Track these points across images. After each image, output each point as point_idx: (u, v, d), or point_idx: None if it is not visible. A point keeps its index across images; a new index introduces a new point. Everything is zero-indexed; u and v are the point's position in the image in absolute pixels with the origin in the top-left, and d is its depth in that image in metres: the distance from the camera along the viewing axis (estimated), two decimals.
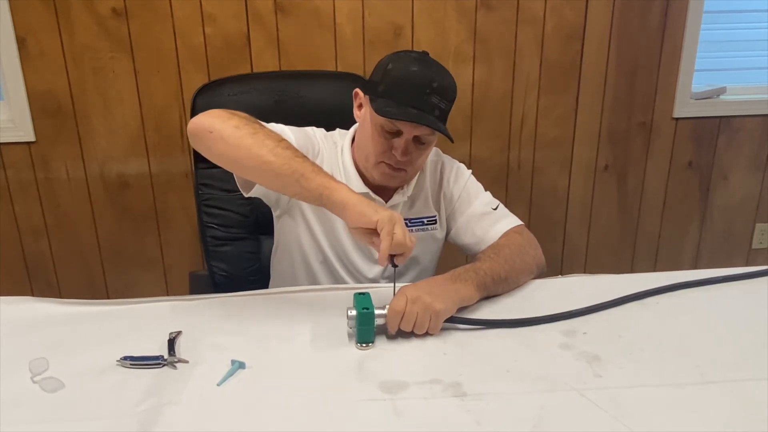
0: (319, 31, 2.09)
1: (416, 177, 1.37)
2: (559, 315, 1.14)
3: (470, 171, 1.43)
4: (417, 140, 1.24)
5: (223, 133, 1.08)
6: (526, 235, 1.35)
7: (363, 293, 1.10)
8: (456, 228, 1.40)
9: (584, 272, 1.98)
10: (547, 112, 2.29)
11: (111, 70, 2.07)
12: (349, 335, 1.08)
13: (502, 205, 1.39)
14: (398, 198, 1.35)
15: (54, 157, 2.14)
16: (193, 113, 1.58)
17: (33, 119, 2.08)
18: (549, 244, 2.44)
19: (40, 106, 2.08)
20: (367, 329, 1.05)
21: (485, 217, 1.36)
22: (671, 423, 0.89)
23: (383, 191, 1.34)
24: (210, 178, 1.58)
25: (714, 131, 2.39)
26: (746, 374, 0.99)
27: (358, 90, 1.31)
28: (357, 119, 1.32)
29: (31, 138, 2.10)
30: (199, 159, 1.61)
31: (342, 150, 1.35)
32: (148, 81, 2.09)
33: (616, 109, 2.32)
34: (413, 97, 1.19)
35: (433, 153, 1.42)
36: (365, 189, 1.32)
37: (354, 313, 1.05)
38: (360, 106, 1.31)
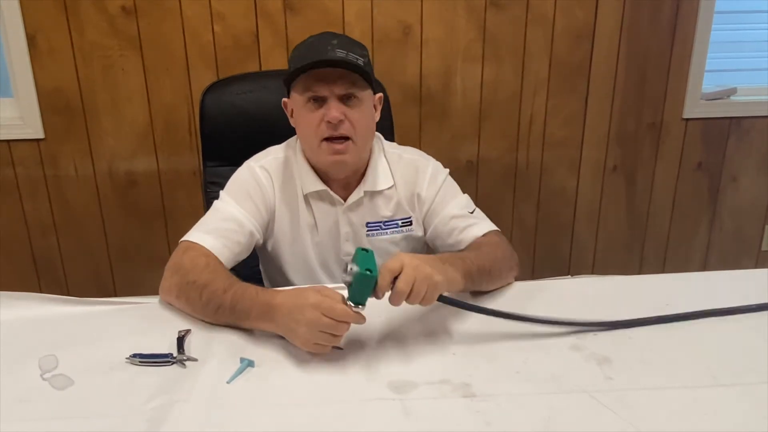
0: (328, 30, 2.08)
1: (374, 173, 1.33)
2: (565, 322, 1.12)
3: (447, 171, 1.39)
4: (345, 99, 1.22)
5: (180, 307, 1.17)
6: (502, 238, 1.32)
7: (367, 250, 1.02)
8: (431, 230, 1.36)
9: (592, 273, 1.97)
10: (555, 112, 2.28)
11: (120, 67, 2.07)
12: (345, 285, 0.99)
13: (479, 210, 1.36)
14: (356, 195, 1.33)
15: (63, 155, 2.14)
16: (202, 111, 1.58)
17: (42, 116, 2.09)
18: (557, 244, 2.43)
19: (49, 103, 2.08)
20: (363, 291, 0.97)
21: (461, 220, 1.32)
22: (682, 426, 0.88)
23: (341, 188, 1.33)
24: (218, 176, 1.58)
25: (724, 132, 2.38)
26: (759, 377, 0.98)
27: (283, 99, 1.31)
28: (294, 125, 1.31)
29: (40, 135, 2.11)
30: (207, 157, 1.62)
31: (296, 153, 1.34)
32: (156, 79, 2.09)
33: (626, 109, 2.30)
34: (315, 55, 1.18)
35: (407, 152, 1.39)
36: (323, 186, 1.31)
37: (356, 269, 0.96)
38: (291, 113, 1.30)
